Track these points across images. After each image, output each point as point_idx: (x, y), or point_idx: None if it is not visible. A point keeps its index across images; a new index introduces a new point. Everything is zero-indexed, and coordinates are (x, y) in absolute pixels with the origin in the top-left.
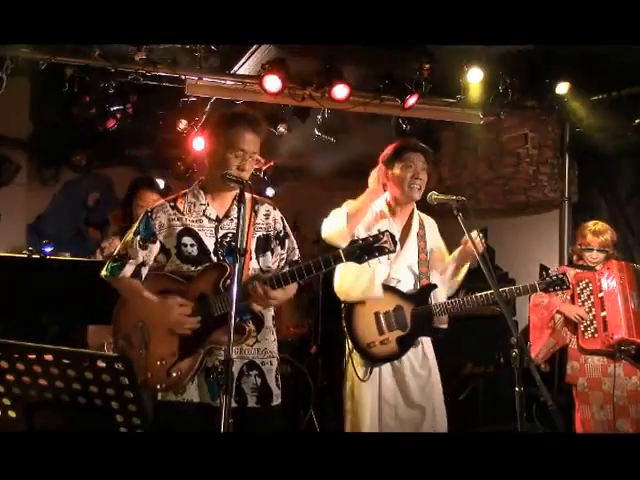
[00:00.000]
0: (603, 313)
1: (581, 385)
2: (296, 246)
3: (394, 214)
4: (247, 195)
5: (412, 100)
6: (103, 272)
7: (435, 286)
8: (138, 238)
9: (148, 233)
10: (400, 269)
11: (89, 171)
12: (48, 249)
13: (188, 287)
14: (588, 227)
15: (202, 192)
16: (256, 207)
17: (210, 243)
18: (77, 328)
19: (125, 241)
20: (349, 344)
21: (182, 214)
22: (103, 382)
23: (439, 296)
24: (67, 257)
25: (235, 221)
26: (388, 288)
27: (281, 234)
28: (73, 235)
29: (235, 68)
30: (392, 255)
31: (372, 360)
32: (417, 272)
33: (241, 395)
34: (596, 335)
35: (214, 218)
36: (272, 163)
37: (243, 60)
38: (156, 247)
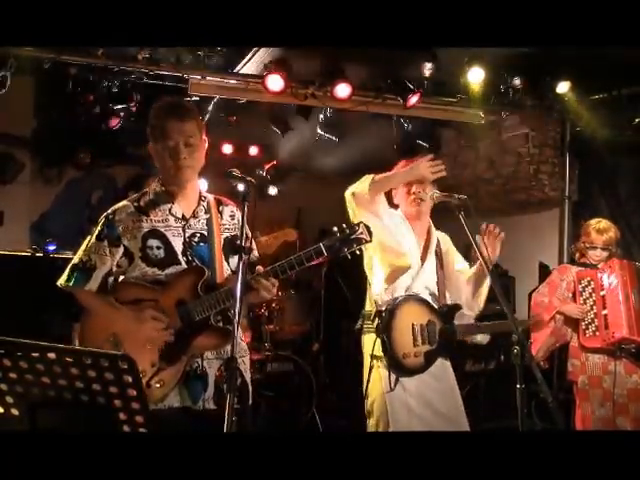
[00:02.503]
0: (604, 311)
1: (582, 382)
2: (255, 247)
3: (413, 229)
4: (209, 196)
5: (414, 99)
6: (62, 281)
7: (460, 307)
8: (105, 243)
9: (112, 236)
10: (420, 286)
11: (92, 170)
12: (51, 247)
13: (162, 294)
14: (592, 225)
15: (164, 190)
16: (220, 208)
17: (178, 243)
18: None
19: (88, 247)
20: (375, 356)
21: (147, 215)
22: (106, 380)
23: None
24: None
25: (202, 221)
26: (423, 301)
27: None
28: (76, 233)
29: (238, 67)
30: (415, 270)
31: (401, 371)
32: (435, 291)
33: (221, 395)
34: (597, 333)
35: (180, 217)
36: (275, 162)
37: (246, 59)
38: (120, 251)
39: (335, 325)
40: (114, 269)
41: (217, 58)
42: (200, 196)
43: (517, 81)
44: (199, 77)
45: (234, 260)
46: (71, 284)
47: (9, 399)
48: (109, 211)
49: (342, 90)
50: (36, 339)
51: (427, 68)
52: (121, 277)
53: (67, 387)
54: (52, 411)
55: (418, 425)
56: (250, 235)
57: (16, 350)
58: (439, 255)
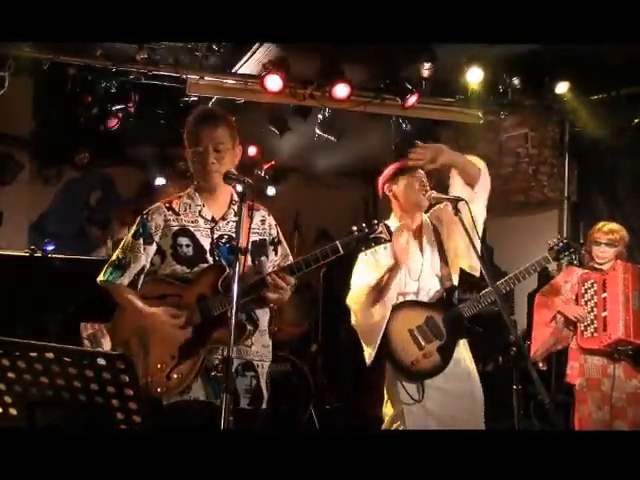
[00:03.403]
0: (604, 313)
1: (580, 385)
2: (289, 253)
3: (408, 229)
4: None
5: (412, 99)
6: (100, 277)
7: (455, 287)
8: (141, 241)
9: (145, 234)
10: (427, 279)
11: (91, 170)
12: (50, 247)
13: (186, 290)
14: (599, 225)
15: (197, 194)
16: (251, 213)
17: (206, 243)
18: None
19: (125, 245)
20: (390, 371)
21: (178, 214)
22: (104, 380)
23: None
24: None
25: (231, 224)
26: (412, 303)
27: (275, 240)
28: (75, 234)
29: (236, 67)
30: (418, 270)
31: (419, 377)
32: (440, 275)
33: (234, 395)
34: (595, 334)
35: (210, 219)
36: (273, 162)
37: (244, 59)
38: (153, 249)
39: (334, 326)
40: (147, 266)
41: (215, 58)
42: (231, 200)
43: (516, 81)
44: (197, 77)
45: (260, 263)
46: (106, 279)
47: (7, 399)
48: (144, 211)
49: (341, 90)
50: (34, 339)
51: (426, 68)
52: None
53: (65, 387)
54: (50, 410)
55: (435, 425)
56: (282, 240)
57: (14, 350)
58: (437, 239)
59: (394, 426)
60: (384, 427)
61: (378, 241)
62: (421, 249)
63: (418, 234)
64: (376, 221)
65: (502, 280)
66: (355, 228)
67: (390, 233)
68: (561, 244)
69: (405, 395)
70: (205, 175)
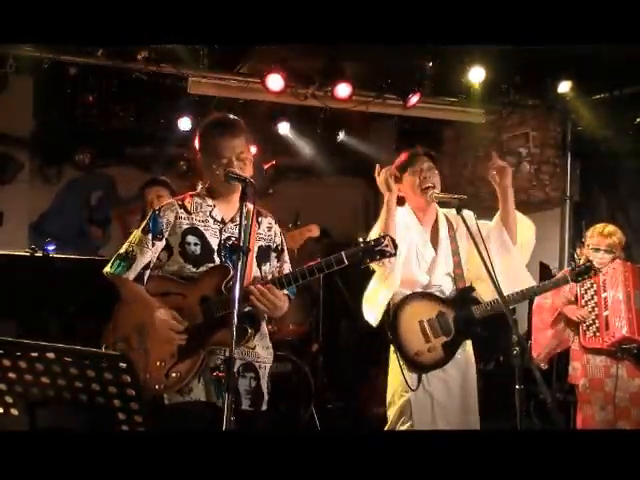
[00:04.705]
0: (606, 312)
1: (583, 385)
2: (287, 260)
3: (420, 221)
4: (250, 206)
5: (414, 99)
6: (107, 269)
7: (473, 289)
8: (149, 236)
9: (156, 230)
10: (439, 276)
11: (92, 170)
12: (50, 247)
13: (189, 289)
14: (597, 229)
15: (208, 195)
16: (259, 219)
17: (214, 243)
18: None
19: (133, 239)
20: (398, 359)
21: (189, 213)
22: (105, 380)
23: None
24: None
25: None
26: (428, 295)
27: (279, 248)
28: (76, 234)
29: (238, 67)
30: (429, 262)
31: (420, 369)
32: (453, 275)
33: (236, 396)
34: (597, 334)
35: (219, 220)
36: (274, 162)
37: (246, 59)
38: (161, 245)
39: (334, 326)
40: (154, 261)
41: (217, 57)
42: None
43: (518, 80)
44: (199, 76)
45: (266, 267)
46: (112, 271)
47: (8, 399)
48: (157, 207)
49: (342, 90)
50: (35, 339)
51: (428, 68)
52: (157, 271)
53: (66, 387)
54: (51, 411)
55: (440, 415)
56: (285, 248)
57: (15, 350)
58: (452, 238)
59: (401, 420)
60: (390, 419)
61: (383, 254)
62: (435, 244)
63: (433, 228)
64: (383, 234)
65: (515, 292)
66: (361, 239)
67: (395, 246)
68: (583, 267)
69: (404, 383)
70: (228, 184)
